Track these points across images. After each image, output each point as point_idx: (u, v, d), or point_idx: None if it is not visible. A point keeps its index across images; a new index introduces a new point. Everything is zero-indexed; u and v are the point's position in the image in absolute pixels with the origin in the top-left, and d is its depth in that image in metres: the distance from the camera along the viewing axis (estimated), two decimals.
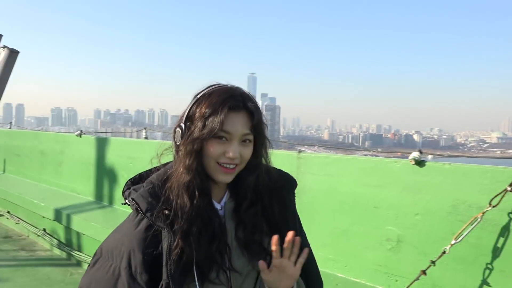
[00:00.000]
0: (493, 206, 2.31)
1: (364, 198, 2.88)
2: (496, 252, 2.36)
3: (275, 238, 1.18)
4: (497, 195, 2.31)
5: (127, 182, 1.32)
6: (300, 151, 3.32)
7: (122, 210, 4.91)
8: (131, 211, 1.27)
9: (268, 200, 1.32)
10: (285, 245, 1.20)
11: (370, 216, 2.85)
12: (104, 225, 4.46)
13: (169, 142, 1.34)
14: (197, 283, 1.20)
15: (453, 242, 2.38)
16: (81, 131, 5.92)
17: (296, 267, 1.23)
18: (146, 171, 1.35)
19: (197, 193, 1.21)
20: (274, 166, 1.37)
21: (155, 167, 1.35)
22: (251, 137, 1.23)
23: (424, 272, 2.46)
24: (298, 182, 1.44)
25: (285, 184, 1.39)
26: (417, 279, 2.48)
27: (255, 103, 1.25)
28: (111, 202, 5.21)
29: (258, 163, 1.29)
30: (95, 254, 1.26)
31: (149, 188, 1.24)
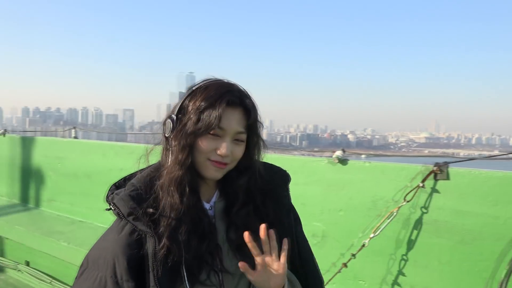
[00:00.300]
0: (408, 201, 2.50)
1: (293, 196, 2.98)
2: (410, 244, 2.55)
3: (246, 234, 1.13)
4: (411, 191, 2.50)
5: (111, 187, 1.23)
6: None
7: (50, 212, 4.73)
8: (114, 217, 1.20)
9: (261, 200, 1.26)
10: (262, 240, 1.15)
11: (299, 213, 2.96)
12: (30, 228, 4.26)
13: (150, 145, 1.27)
14: (187, 284, 1.14)
15: (371, 235, 2.54)
16: (5, 130, 5.60)
17: (280, 262, 1.16)
18: (130, 174, 1.27)
19: (187, 190, 1.15)
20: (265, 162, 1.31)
21: (140, 170, 1.26)
22: (244, 136, 1.18)
23: (345, 265, 2.61)
24: None
25: (278, 180, 1.33)
26: (339, 271, 2.62)
27: (252, 100, 1.19)
28: (37, 204, 4.98)
29: (251, 164, 1.23)
30: (81, 265, 1.19)
31: (131, 191, 1.16)
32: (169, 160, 1.16)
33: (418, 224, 2.53)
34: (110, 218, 1.20)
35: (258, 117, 1.20)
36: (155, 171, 1.20)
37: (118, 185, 1.23)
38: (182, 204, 1.14)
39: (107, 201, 1.19)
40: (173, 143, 1.15)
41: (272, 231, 1.15)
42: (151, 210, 1.14)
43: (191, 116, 1.13)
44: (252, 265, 1.17)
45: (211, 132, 1.12)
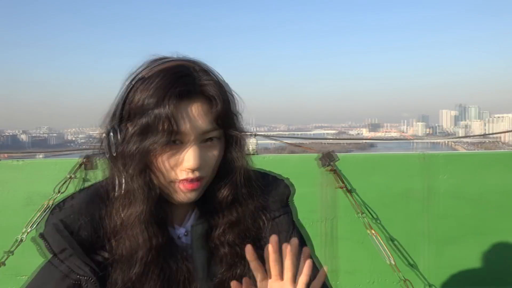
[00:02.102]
0: (62, 193, 2.73)
1: None
2: None
3: (249, 248, 0.82)
4: (64, 183, 2.74)
5: (48, 216, 0.90)
6: None
7: None
8: None
9: (253, 217, 0.96)
10: (270, 256, 0.81)
11: None
12: None
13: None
14: None
15: (29, 230, 2.66)
16: None
17: None
18: (67, 197, 0.93)
19: (152, 229, 0.85)
20: (260, 169, 1.06)
21: (79, 191, 0.95)
22: (216, 133, 0.87)
23: (3, 263, 2.63)
24: None
25: (274, 193, 1.02)
26: None
27: (216, 82, 0.87)
28: None
29: (233, 167, 0.92)
30: None
31: (65, 217, 0.86)
32: (121, 188, 0.86)
33: None
34: None
35: (230, 103, 0.89)
36: (100, 192, 0.90)
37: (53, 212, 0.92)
38: (147, 247, 0.85)
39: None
40: (120, 167, 0.85)
41: (294, 241, 0.84)
42: (101, 253, 0.86)
43: (134, 124, 0.82)
44: None
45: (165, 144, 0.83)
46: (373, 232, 2.65)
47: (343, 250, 2.82)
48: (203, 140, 0.86)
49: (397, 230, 2.81)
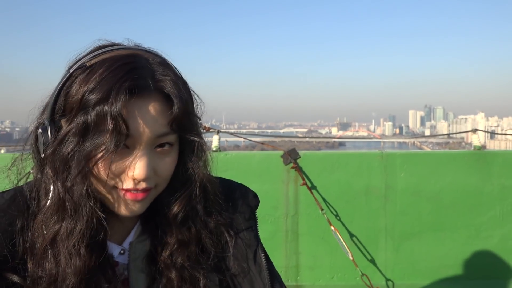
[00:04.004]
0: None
1: None
2: None
3: None
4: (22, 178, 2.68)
5: None
6: None
7: None
8: None
9: (214, 236, 0.83)
10: None
11: None
12: None
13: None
14: None
15: None
16: None
17: None
18: None
19: (89, 248, 0.70)
20: (220, 176, 0.91)
21: (6, 192, 0.77)
22: (171, 138, 0.73)
23: None
24: None
25: (241, 203, 0.90)
26: None
27: (175, 77, 0.73)
28: None
29: (188, 178, 0.79)
30: None
31: None
32: (48, 197, 0.70)
33: None
34: None
35: (190, 104, 0.76)
36: (18, 200, 0.74)
37: None
38: (77, 271, 0.70)
39: None
40: (49, 171, 0.70)
41: None
42: (11, 276, 0.70)
43: (70, 121, 0.68)
44: None
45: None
46: (334, 228, 2.70)
47: (304, 245, 2.87)
48: (155, 146, 0.72)
49: (357, 227, 2.88)
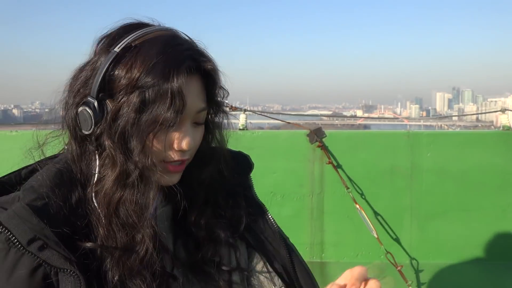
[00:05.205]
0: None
1: None
2: None
3: None
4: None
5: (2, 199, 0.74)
6: None
7: None
8: None
9: (231, 198, 0.94)
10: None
11: None
12: None
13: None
14: None
15: None
16: None
17: None
18: (10, 174, 0.80)
19: (145, 215, 0.75)
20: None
21: (24, 168, 0.81)
22: (204, 114, 0.82)
23: None
24: None
25: (241, 169, 1.00)
26: None
27: (211, 58, 0.80)
28: None
29: (214, 151, 0.89)
30: None
31: (33, 200, 0.70)
32: (106, 171, 0.74)
33: None
34: None
35: (220, 83, 0.83)
36: (69, 175, 0.77)
37: None
38: (151, 234, 0.76)
39: None
40: (107, 143, 0.73)
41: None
42: (83, 244, 0.73)
43: (131, 99, 0.72)
44: None
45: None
46: (358, 206, 2.74)
47: (329, 223, 2.92)
48: (194, 121, 0.80)
49: (382, 205, 2.91)
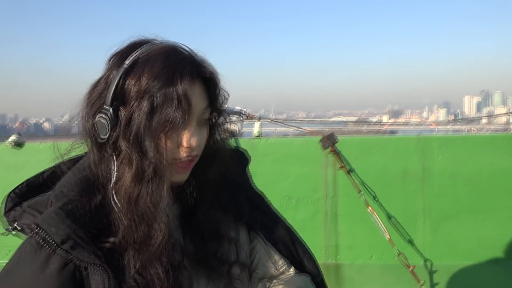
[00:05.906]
0: None
1: None
2: None
3: None
4: None
5: (9, 195, 0.85)
6: None
7: None
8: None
9: (234, 194, 1.02)
10: None
11: None
12: None
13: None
14: None
15: None
16: None
17: None
18: (36, 176, 0.90)
19: (162, 212, 0.83)
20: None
21: (47, 170, 0.91)
22: (208, 114, 0.90)
23: None
24: None
25: (241, 164, 1.09)
26: None
27: (210, 64, 0.90)
28: None
29: (218, 149, 0.97)
30: None
31: (64, 204, 0.79)
32: (123, 170, 0.82)
33: None
34: None
35: (220, 87, 0.92)
36: (91, 180, 0.85)
37: (20, 194, 0.87)
38: (165, 228, 0.83)
39: (6, 217, 0.84)
40: (123, 144, 0.81)
41: None
42: (107, 239, 0.82)
43: (142, 104, 0.80)
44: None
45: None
46: (371, 209, 2.82)
47: (343, 226, 3.01)
48: (198, 120, 0.87)
49: (395, 208, 2.99)
